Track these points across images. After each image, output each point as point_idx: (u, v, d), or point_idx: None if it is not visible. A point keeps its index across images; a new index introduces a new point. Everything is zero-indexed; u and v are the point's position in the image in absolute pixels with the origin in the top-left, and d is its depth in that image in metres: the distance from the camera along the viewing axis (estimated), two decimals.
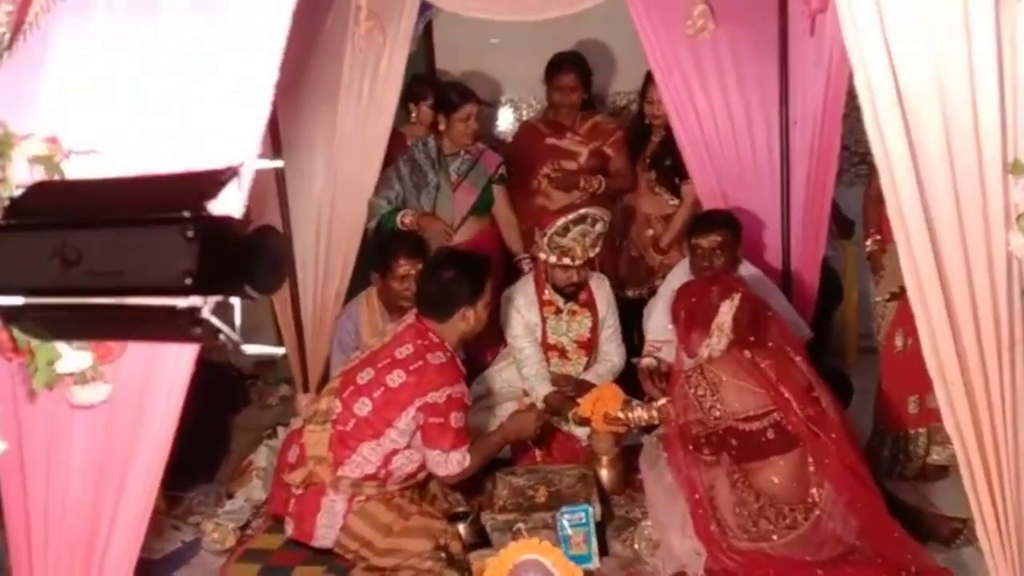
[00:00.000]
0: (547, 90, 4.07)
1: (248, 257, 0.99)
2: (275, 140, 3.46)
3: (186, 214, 0.94)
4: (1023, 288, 1.82)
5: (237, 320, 1.03)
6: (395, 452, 2.78)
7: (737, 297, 2.66)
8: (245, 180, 1.01)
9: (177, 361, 1.82)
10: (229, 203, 1.00)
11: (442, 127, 3.82)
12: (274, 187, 3.51)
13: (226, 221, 0.98)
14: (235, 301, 1.01)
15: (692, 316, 2.71)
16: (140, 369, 1.80)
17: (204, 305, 0.97)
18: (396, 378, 2.75)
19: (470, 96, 3.81)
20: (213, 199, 0.97)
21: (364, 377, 2.81)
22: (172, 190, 1.02)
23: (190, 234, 0.94)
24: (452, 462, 2.79)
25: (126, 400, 1.82)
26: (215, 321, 0.99)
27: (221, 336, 1.00)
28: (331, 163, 3.54)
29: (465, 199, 3.86)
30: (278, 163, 2.96)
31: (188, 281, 0.94)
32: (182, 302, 0.97)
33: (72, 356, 1.75)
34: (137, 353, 1.79)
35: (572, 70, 3.97)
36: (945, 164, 1.78)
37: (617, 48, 4.54)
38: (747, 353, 2.62)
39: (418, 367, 2.76)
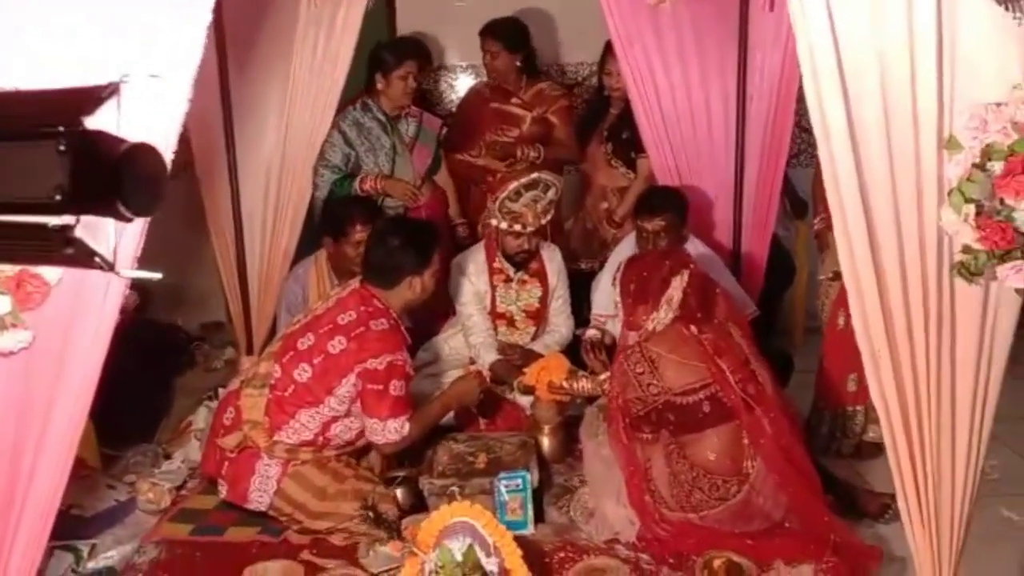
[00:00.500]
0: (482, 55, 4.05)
1: (121, 173, 0.94)
2: (225, 95, 3.41)
3: (60, 128, 0.89)
4: (952, 264, 1.83)
5: (112, 242, 0.98)
6: (334, 420, 2.75)
7: (687, 273, 2.66)
8: (125, 98, 0.96)
9: (101, 310, 1.76)
10: (106, 120, 0.95)
11: (380, 86, 3.71)
12: (222, 142, 3.45)
13: (99, 135, 0.93)
14: (109, 222, 0.96)
15: (642, 289, 2.71)
16: (62, 317, 1.74)
17: (76, 224, 0.93)
18: (337, 344, 2.71)
19: (410, 53, 3.74)
20: (90, 115, 0.92)
21: (305, 343, 2.76)
22: (48, 105, 0.97)
23: (62, 148, 0.89)
24: (390, 430, 2.76)
25: (47, 348, 1.76)
26: (88, 241, 0.94)
27: (97, 259, 0.96)
28: (283, 118, 3.47)
29: (422, 159, 3.81)
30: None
31: (58, 197, 0.90)
32: (54, 220, 0.92)
33: None
34: (59, 301, 1.73)
35: (490, 35, 3.96)
36: (882, 137, 1.78)
37: (580, 17, 4.49)
38: (693, 328, 2.63)
39: (359, 333, 2.72)
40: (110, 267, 0.97)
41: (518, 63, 4.00)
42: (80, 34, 1.57)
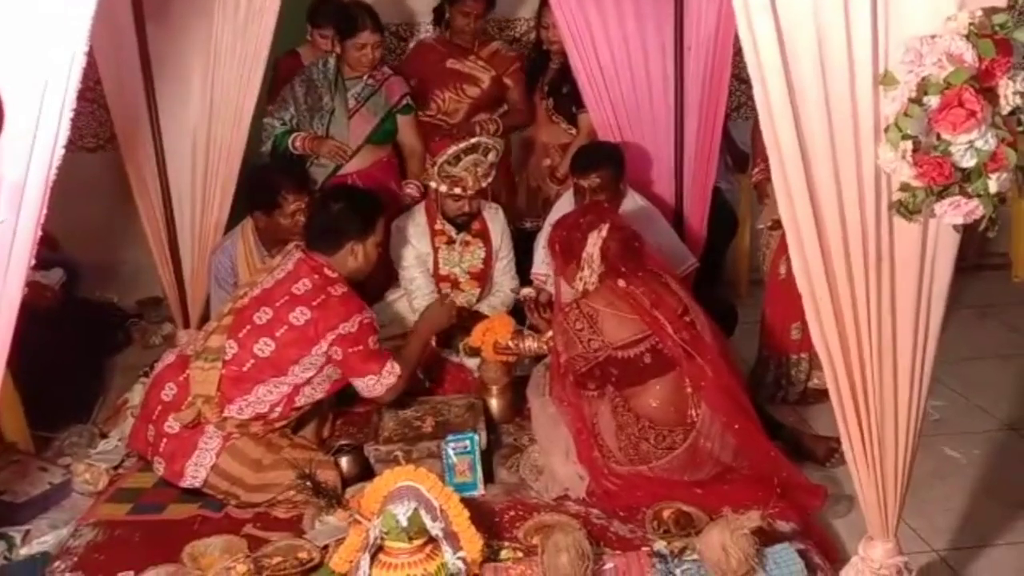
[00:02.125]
0: (450, 13, 3.92)
1: None
2: (144, 60, 3.25)
3: None
4: (890, 203, 1.81)
5: None
6: (301, 386, 2.72)
7: (605, 228, 2.62)
8: None
9: (3, 283, 1.66)
10: None
11: (338, 51, 3.64)
12: (144, 111, 3.30)
13: None
14: None
15: (565, 248, 2.69)
16: None
17: None
18: (300, 315, 2.67)
19: (367, 24, 3.59)
20: None
21: (262, 317, 2.70)
22: None
23: None
24: (384, 379, 2.77)
25: None
26: None
27: None
28: (207, 83, 3.31)
29: (361, 127, 3.69)
30: None
31: None
32: None
33: None
34: None
35: None
36: (817, 75, 1.75)
37: None
38: (621, 282, 2.60)
39: (321, 301, 2.70)
40: None
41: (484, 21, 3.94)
42: None
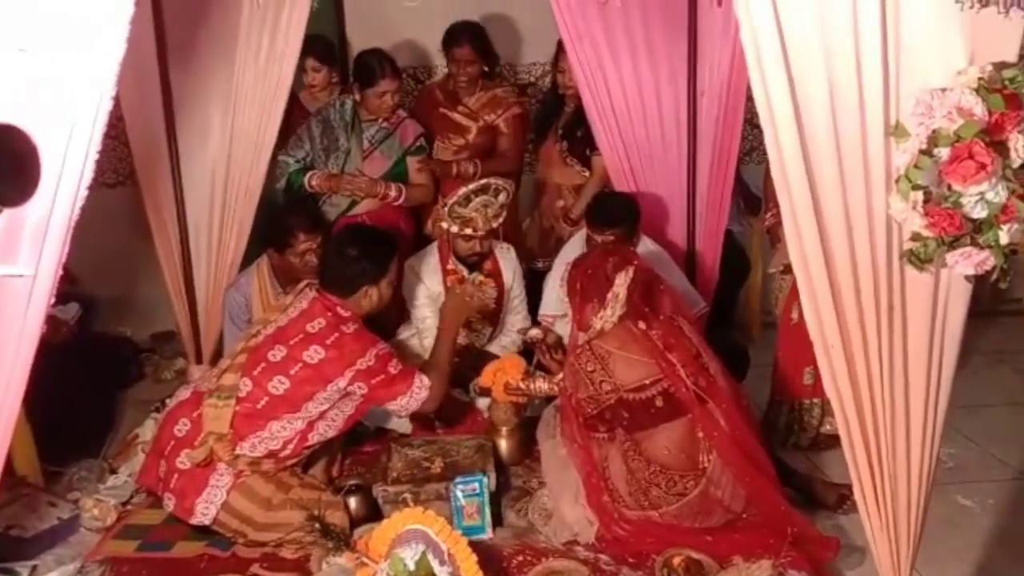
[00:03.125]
0: (446, 61, 3.99)
1: None
2: (166, 99, 3.32)
3: None
4: (902, 252, 1.82)
5: None
6: (315, 421, 2.73)
7: (632, 269, 2.64)
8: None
9: (23, 320, 1.68)
10: None
11: (357, 97, 3.70)
12: (165, 149, 3.36)
13: None
14: None
15: (587, 288, 2.69)
16: None
17: None
18: (314, 354, 2.70)
19: (386, 72, 3.65)
20: None
21: (276, 355, 2.72)
22: None
23: None
24: (416, 394, 2.81)
25: None
26: None
27: None
28: (227, 122, 3.38)
29: (374, 168, 3.74)
30: None
31: None
32: None
33: None
34: None
35: (468, 42, 3.86)
36: (828, 125, 1.77)
37: (533, 17, 4.46)
38: (641, 324, 2.61)
39: (335, 339, 2.73)
40: None
41: (485, 69, 3.97)
42: None
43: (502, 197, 3.33)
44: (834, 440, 3.28)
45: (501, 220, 3.38)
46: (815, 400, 3.29)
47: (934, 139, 1.70)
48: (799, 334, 3.18)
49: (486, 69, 3.96)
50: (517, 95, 4.10)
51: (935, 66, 1.73)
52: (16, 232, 1.46)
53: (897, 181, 1.76)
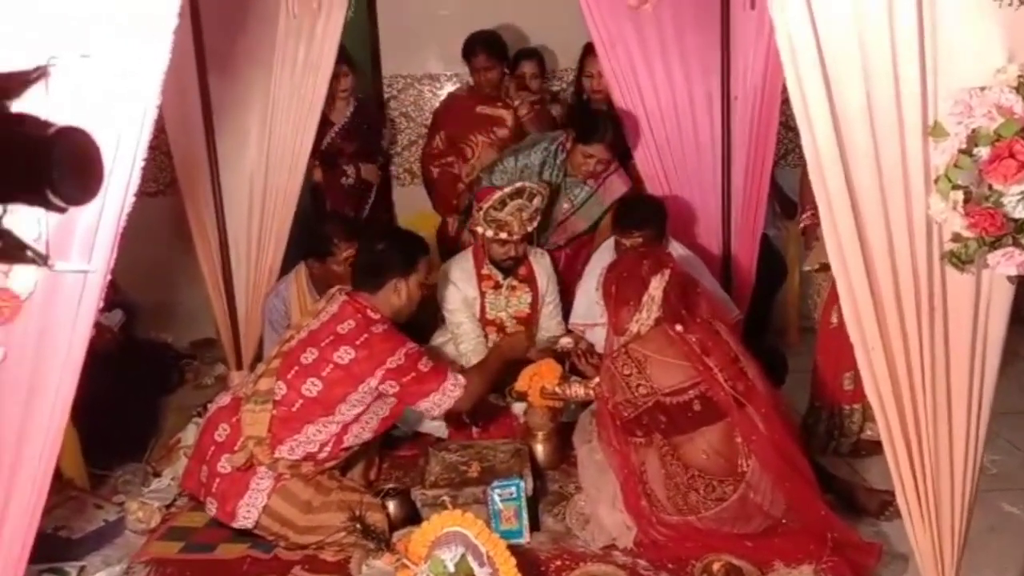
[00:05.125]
0: (470, 71, 4.10)
1: (47, 159, 0.88)
2: (206, 110, 3.38)
3: None
4: (942, 253, 1.80)
5: (43, 232, 0.94)
6: (349, 424, 2.75)
7: (667, 272, 2.64)
8: (54, 81, 0.92)
9: (74, 323, 1.72)
10: (34, 104, 0.90)
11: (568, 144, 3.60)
12: (205, 157, 3.42)
13: (23, 119, 0.88)
14: (39, 211, 0.91)
15: (623, 291, 2.69)
16: (33, 331, 1.70)
17: (3, 214, 0.88)
18: (344, 355, 2.72)
19: (605, 138, 3.46)
20: (16, 98, 0.87)
21: (308, 357, 2.76)
22: None
23: None
24: (450, 392, 2.82)
25: (20, 364, 1.72)
26: (17, 233, 0.89)
27: (28, 252, 0.91)
28: (264, 131, 3.44)
29: (567, 231, 3.76)
30: None
31: None
32: None
33: None
34: (31, 315, 1.69)
35: (483, 51, 4.00)
36: (866, 126, 1.76)
37: (558, 24, 4.47)
38: (679, 327, 2.60)
39: (364, 340, 2.75)
40: (43, 260, 0.92)
41: (505, 71, 4.12)
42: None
43: (537, 201, 3.34)
44: (875, 446, 3.24)
45: (536, 224, 3.39)
46: (855, 406, 3.24)
47: (974, 138, 1.68)
48: (839, 338, 3.15)
49: (507, 72, 4.11)
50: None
51: (973, 64, 1.71)
52: (67, 237, 1.51)
53: (936, 181, 1.74)
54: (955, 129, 1.70)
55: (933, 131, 1.74)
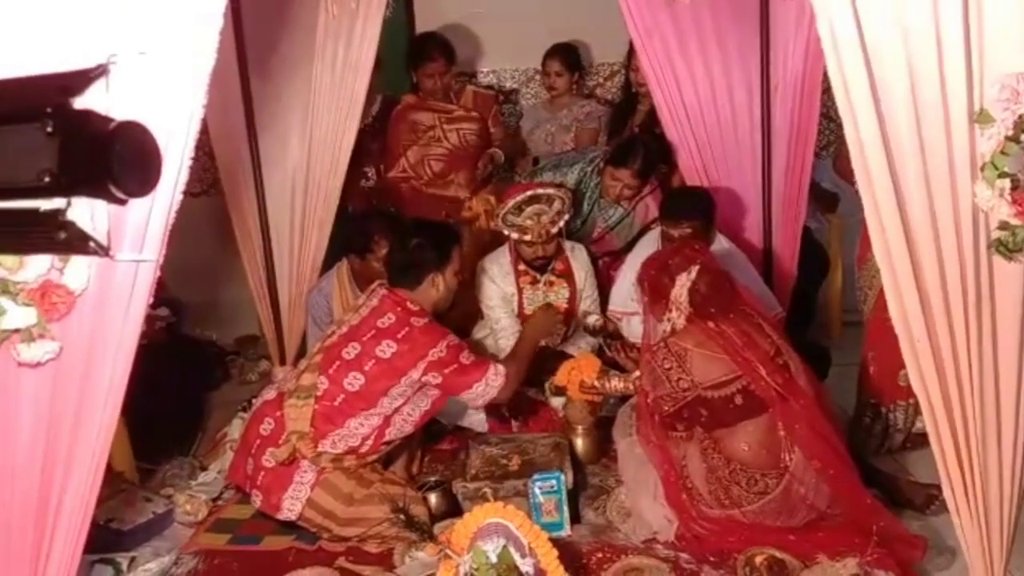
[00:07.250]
0: (417, 77, 4.05)
1: (110, 153, 0.91)
2: (248, 110, 3.44)
3: (47, 109, 0.87)
4: (989, 242, 1.77)
5: (104, 225, 0.97)
6: (391, 416, 2.78)
7: (695, 270, 2.61)
8: (114, 79, 0.95)
9: (125, 317, 1.77)
10: (95, 101, 0.93)
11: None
12: (247, 156, 3.48)
13: (87, 115, 0.91)
14: (101, 204, 0.94)
15: (654, 289, 2.68)
16: (87, 326, 1.75)
17: (67, 207, 0.91)
18: (386, 348, 2.75)
19: (635, 165, 3.56)
20: (79, 95, 0.91)
21: (351, 352, 2.79)
22: (34, 87, 0.95)
23: (50, 129, 0.87)
24: (492, 382, 2.84)
25: (74, 358, 1.77)
26: (81, 225, 0.92)
27: (91, 244, 0.94)
28: (306, 131, 3.49)
29: (603, 247, 3.78)
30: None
31: (47, 180, 0.87)
32: (45, 204, 0.90)
33: (16, 312, 1.71)
34: (85, 310, 1.74)
35: (439, 56, 3.98)
36: (910, 114, 1.73)
37: (603, 17, 4.47)
38: (711, 324, 2.58)
39: (405, 333, 2.78)
40: (104, 251, 0.95)
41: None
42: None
43: (556, 205, 3.35)
44: (923, 439, 3.18)
45: (560, 226, 3.38)
46: (911, 400, 3.17)
47: (1020, 125, 1.65)
48: (894, 333, 3.11)
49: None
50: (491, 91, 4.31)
51: (1019, 50, 1.67)
52: (119, 233, 1.55)
53: (982, 169, 1.71)
54: (1001, 115, 1.67)
55: (979, 117, 1.71)
